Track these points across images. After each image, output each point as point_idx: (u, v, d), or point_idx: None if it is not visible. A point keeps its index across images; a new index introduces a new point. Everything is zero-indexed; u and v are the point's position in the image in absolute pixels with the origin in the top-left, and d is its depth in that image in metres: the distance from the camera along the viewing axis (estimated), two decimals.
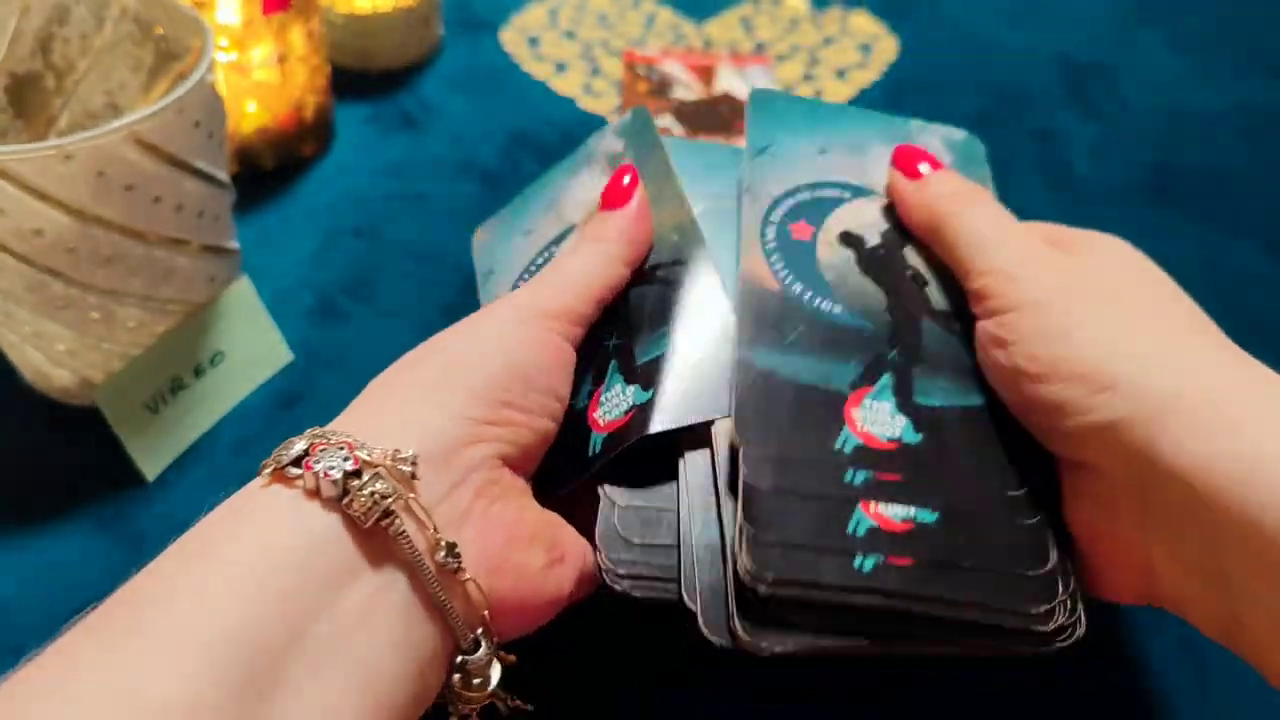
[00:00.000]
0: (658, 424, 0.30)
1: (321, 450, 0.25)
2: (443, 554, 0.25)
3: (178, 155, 0.35)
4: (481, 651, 0.26)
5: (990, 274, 0.31)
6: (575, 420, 0.32)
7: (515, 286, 0.38)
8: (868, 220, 0.36)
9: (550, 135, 0.58)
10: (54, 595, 0.36)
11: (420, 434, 0.26)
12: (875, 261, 0.35)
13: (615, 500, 0.30)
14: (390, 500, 0.24)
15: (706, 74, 0.63)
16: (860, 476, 0.29)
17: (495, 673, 0.27)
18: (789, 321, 0.32)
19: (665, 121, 0.59)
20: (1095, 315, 0.29)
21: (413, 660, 0.24)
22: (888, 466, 0.29)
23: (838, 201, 0.37)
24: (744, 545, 0.27)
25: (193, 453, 0.40)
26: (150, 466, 0.39)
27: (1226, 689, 0.34)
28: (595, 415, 0.32)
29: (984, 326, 0.31)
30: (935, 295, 0.34)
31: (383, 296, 0.48)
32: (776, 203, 0.36)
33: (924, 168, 0.36)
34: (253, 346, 0.43)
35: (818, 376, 0.31)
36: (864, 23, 0.69)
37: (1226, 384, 0.26)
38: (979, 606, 0.27)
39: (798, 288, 0.33)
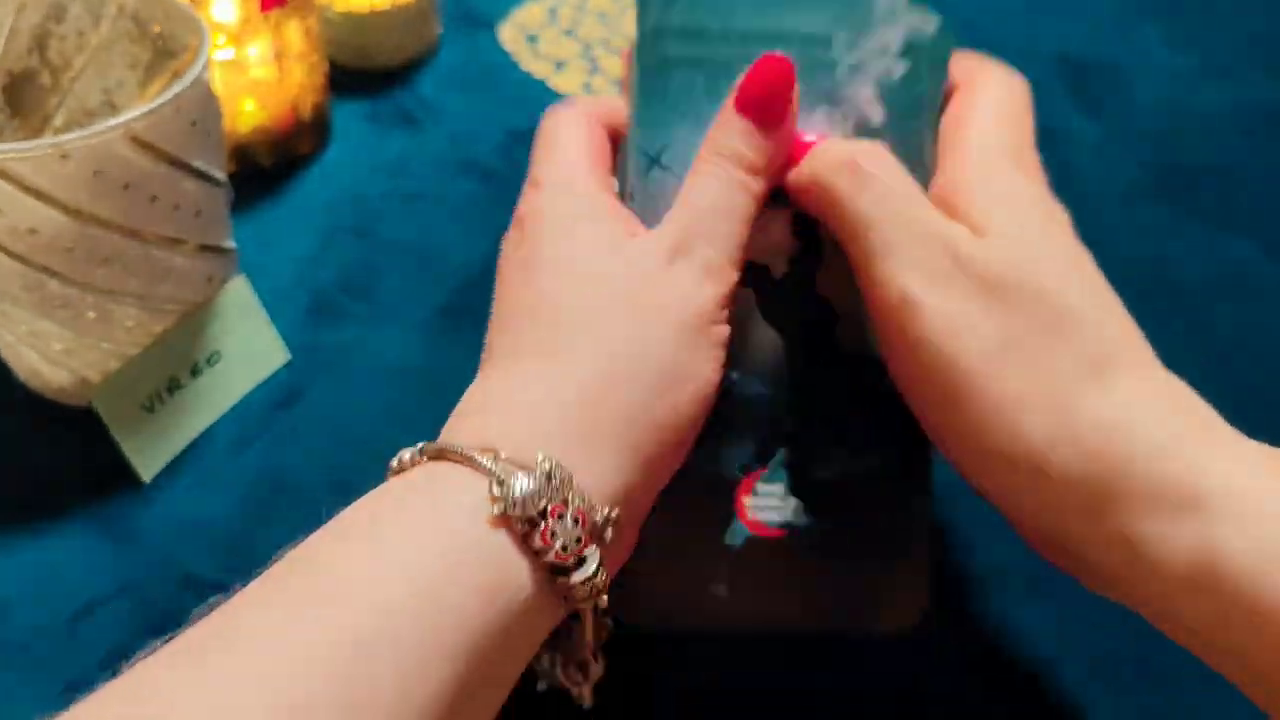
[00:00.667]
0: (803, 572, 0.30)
1: (559, 518, 0.23)
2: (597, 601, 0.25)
3: (175, 154, 0.35)
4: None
5: (885, 305, 0.27)
6: (721, 488, 0.29)
7: None
8: (778, 226, 0.31)
9: None
10: (50, 595, 0.36)
11: (614, 485, 0.25)
12: (781, 299, 0.30)
13: None
14: (597, 581, 0.24)
15: None
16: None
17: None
18: None
19: None
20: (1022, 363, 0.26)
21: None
22: (775, 553, 0.29)
23: None
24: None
25: (190, 453, 0.40)
26: (147, 467, 0.39)
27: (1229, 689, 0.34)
28: (745, 501, 0.29)
29: (893, 373, 0.28)
30: (845, 331, 0.30)
31: (381, 295, 0.47)
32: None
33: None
34: (250, 346, 0.42)
35: (706, 461, 0.29)
36: None
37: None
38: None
39: None
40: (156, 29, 0.40)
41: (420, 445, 0.25)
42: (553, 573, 0.23)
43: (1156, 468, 0.24)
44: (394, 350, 0.45)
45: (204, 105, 0.36)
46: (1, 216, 0.32)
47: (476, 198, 0.53)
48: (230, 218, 0.41)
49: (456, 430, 0.26)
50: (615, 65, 0.64)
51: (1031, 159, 0.31)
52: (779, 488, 0.29)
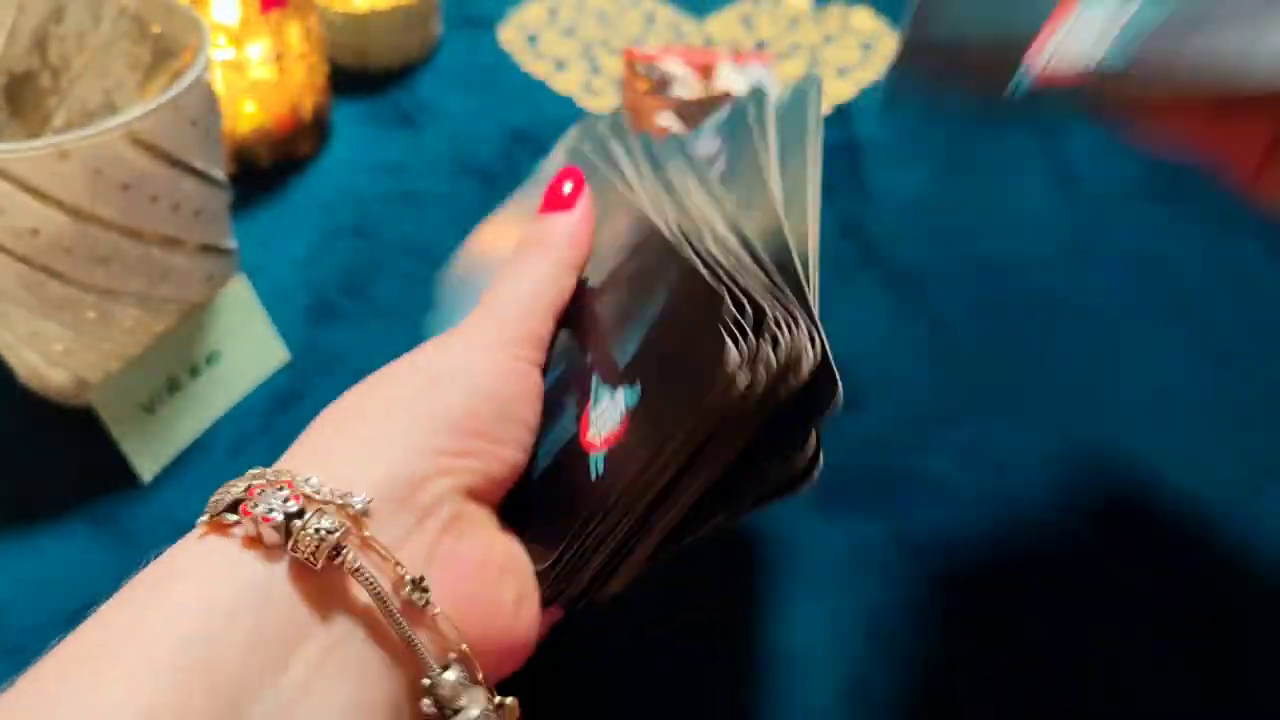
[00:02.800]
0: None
1: (260, 493, 0.23)
2: (408, 589, 0.23)
3: (174, 154, 0.35)
4: (453, 673, 0.23)
5: None
6: (569, 453, 0.29)
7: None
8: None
9: (549, 134, 0.58)
10: (50, 596, 0.36)
11: (377, 469, 0.24)
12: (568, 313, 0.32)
13: None
14: (338, 534, 0.22)
15: (707, 72, 0.63)
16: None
17: (476, 706, 0.23)
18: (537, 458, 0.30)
19: (665, 119, 0.59)
20: None
21: (378, 714, 0.22)
22: (629, 444, 0.28)
23: None
24: None
25: (189, 453, 0.40)
26: (147, 467, 0.39)
27: (1229, 689, 0.34)
28: (588, 437, 0.29)
29: None
30: (594, 275, 0.32)
31: (380, 296, 0.47)
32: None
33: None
34: (250, 346, 0.42)
35: (550, 449, 0.29)
36: (865, 20, 0.69)
37: None
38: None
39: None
40: (156, 29, 0.40)
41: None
42: (280, 548, 0.22)
43: None
44: (393, 350, 0.44)
45: (204, 106, 0.36)
46: (1, 216, 0.32)
47: (476, 198, 0.53)
48: (230, 218, 0.41)
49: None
50: (615, 65, 0.64)
51: None
52: (605, 400, 0.29)
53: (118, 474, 0.39)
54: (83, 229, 0.33)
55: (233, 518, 0.22)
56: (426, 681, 0.23)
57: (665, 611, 0.35)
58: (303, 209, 0.52)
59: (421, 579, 0.23)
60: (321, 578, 0.22)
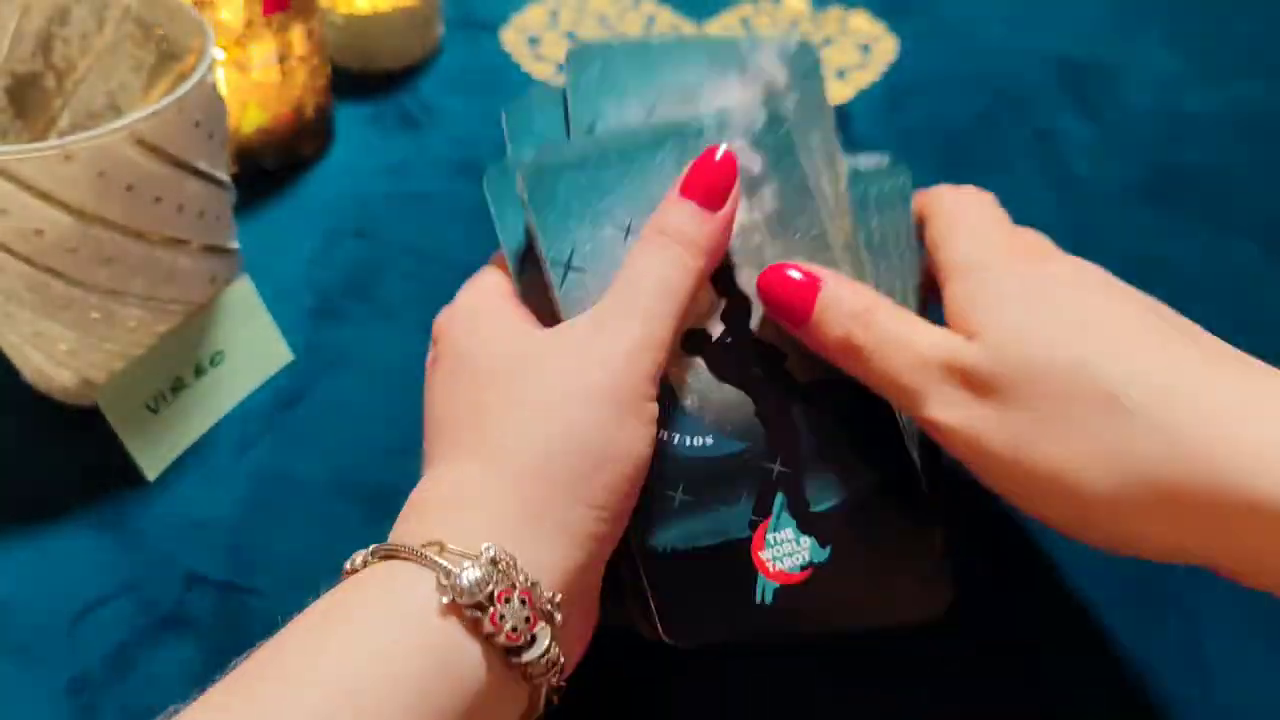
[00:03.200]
0: (837, 601, 0.30)
1: (506, 602, 0.24)
2: (555, 677, 0.25)
3: (178, 155, 0.35)
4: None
5: (930, 418, 0.28)
6: (735, 550, 0.29)
7: None
8: (700, 291, 0.31)
9: None
10: (54, 595, 0.36)
11: (558, 562, 0.26)
12: (728, 359, 0.31)
13: None
14: (560, 666, 0.25)
15: None
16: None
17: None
18: (667, 483, 0.29)
19: None
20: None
21: None
22: (804, 593, 0.30)
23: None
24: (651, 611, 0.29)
25: (194, 452, 0.40)
26: (151, 466, 0.39)
27: (1229, 689, 0.34)
28: (762, 556, 0.29)
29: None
30: (797, 364, 0.31)
31: (383, 296, 0.48)
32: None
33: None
34: (253, 346, 0.43)
35: (714, 533, 0.29)
36: (864, 23, 0.69)
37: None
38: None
39: (663, 435, 0.29)
40: (160, 32, 0.40)
41: (371, 547, 0.26)
42: (507, 654, 0.24)
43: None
44: (396, 350, 0.45)
45: (208, 107, 0.36)
46: (6, 217, 0.33)
47: (478, 199, 0.53)
48: (234, 219, 0.41)
49: (403, 533, 0.26)
50: None
51: (1021, 243, 0.32)
52: (789, 532, 0.30)
53: (122, 473, 0.39)
54: (87, 230, 0.34)
55: (476, 615, 0.24)
56: None
57: None
58: (306, 210, 0.52)
59: (562, 666, 0.25)
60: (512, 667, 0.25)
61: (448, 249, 0.50)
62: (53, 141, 0.32)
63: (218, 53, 0.49)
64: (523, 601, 0.24)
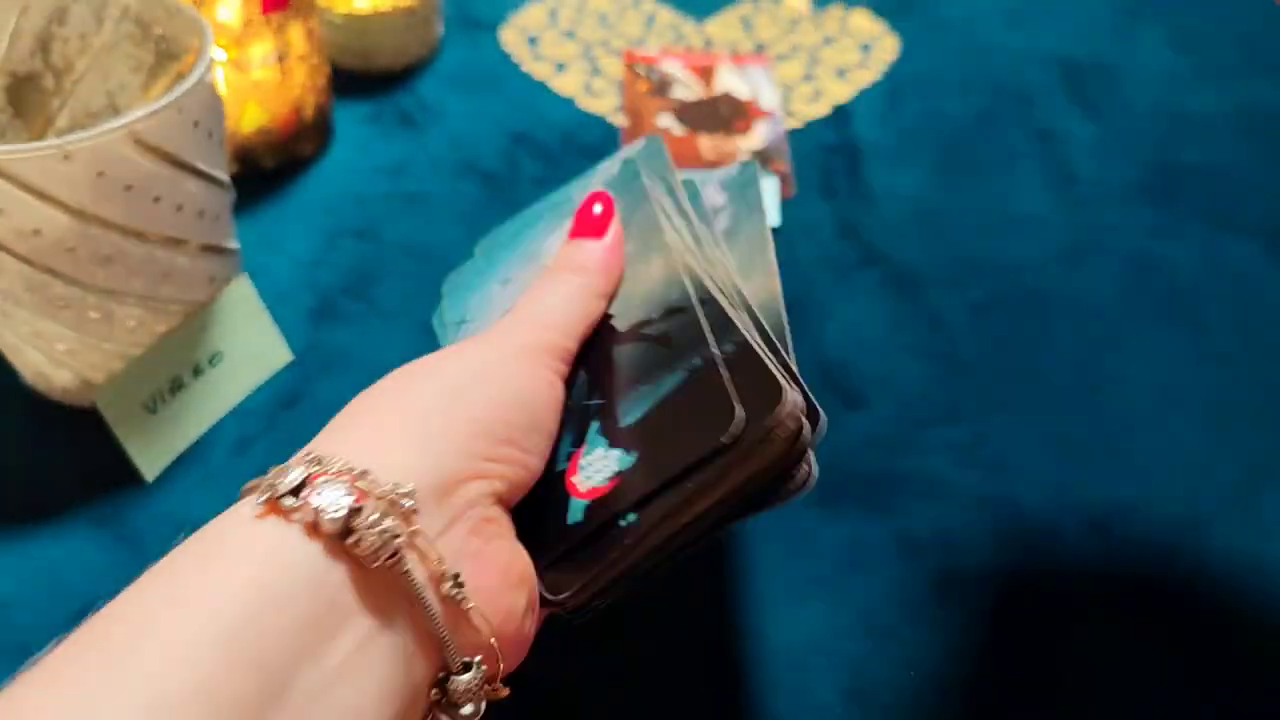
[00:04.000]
0: (644, 490, 0.29)
1: (322, 481, 0.23)
2: (449, 585, 0.24)
3: (177, 155, 0.35)
4: (470, 675, 0.25)
5: None
6: (552, 483, 0.30)
7: None
8: None
9: (550, 135, 0.58)
10: (53, 595, 0.36)
11: (422, 463, 0.25)
12: None
13: None
14: (401, 538, 0.23)
15: (706, 74, 0.63)
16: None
17: (482, 704, 0.25)
18: None
19: (665, 121, 0.59)
20: None
21: (402, 700, 0.23)
22: (613, 498, 0.29)
23: None
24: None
25: (192, 453, 0.40)
26: (150, 466, 0.39)
27: (1229, 689, 0.34)
28: (574, 479, 0.30)
29: None
30: (619, 319, 0.33)
31: (382, 296, 0.48)
32: None
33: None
34: (252, 346, 0.42)
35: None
36: (864, 22, 0.69)
37: None
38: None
39: None
40: (159, 31, 0.40)
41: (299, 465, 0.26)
42: (339, 539, 0.23)
43: None
44: (395, 350, 0.45)
45: (207, 107, 0.36)
46: (5, 217, 0.33)
47: (477, 199, 0.53)
48: (233, 218, 0.41)
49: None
50: (615, 67, 0.64)
51: None
52: (599, 452, 0.30)
53: (121, 473, 0.39)
54: (86, 230, 0.34)
55: (292, 502, 0.23)
56: (442, 674, 0.24)
57: (666, 612, 0.36)
58: (305, 210, 0.52)
59: (458, 575, 0.24)
60: (368, 570, 0.23)
61: (447, 249, 0.50)
62: (51, 141, 0.32)
63: (217, 52, 0.49)
64: (343, 483, 0.23)
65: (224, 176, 0.39)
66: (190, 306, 0.39)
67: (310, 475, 0.23)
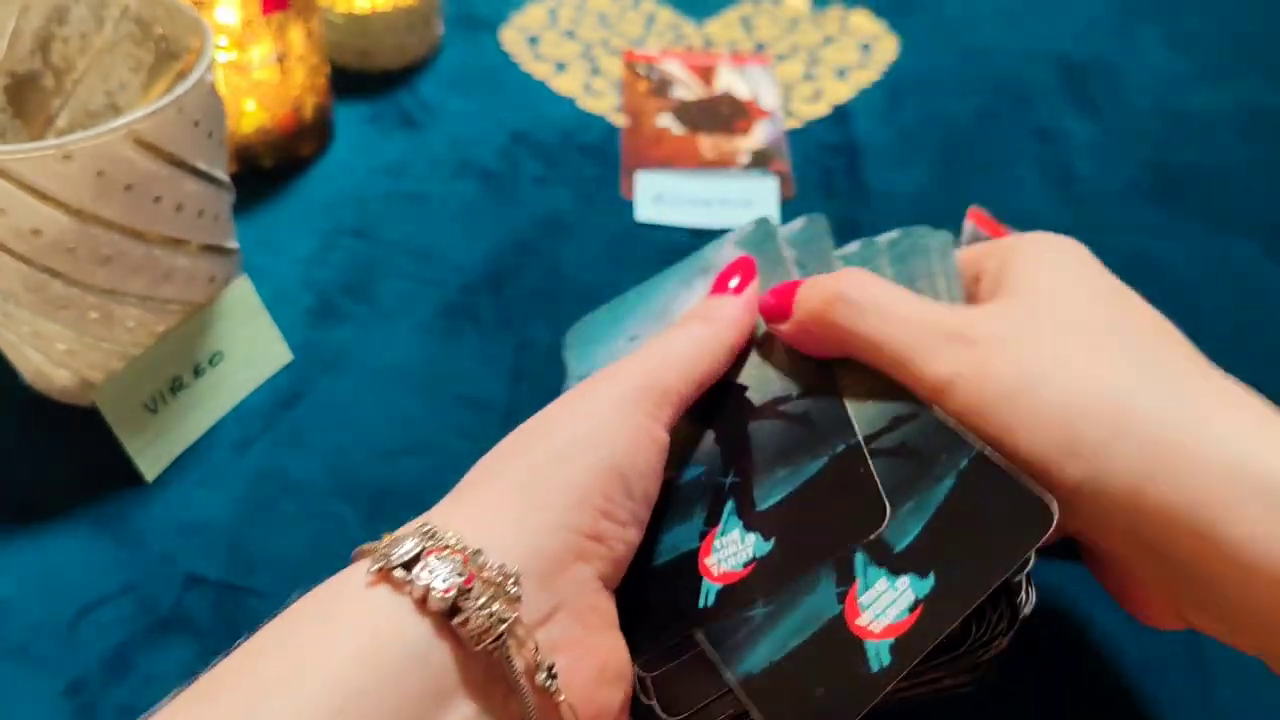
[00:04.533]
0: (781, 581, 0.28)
1: (435, 557, 0.23)
2: (543, 676, 0.24)
3: (177, 155, 0.35)
4: None
5: (937, 395, 0.28)
6: (684, 562, 0.29)
7: None
8: None
9: (550, 135, 0.58)
10: (53, 595, 0.36)
11: (525, 546, 0.25)
12: (700, 404, 0.32)
13: None
14: (508, 624, 0.23)
15: (706, 74, 0.63)
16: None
17: None
18: None
19: (665, 121, 0.59)
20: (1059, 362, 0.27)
21: None
22: (746, 586, 0.29)
23: None
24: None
25: (192, 453, 0.40)
26: (150, 466, 0.39)
27: (1229, 689, 0.34)
28: (708, 561, 0.29)
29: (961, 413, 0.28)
30: (755, 393, 0.32)
31: (382, 296, 0.48)
32: None
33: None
34: (252, 346, 0.42)
35: (669, 549, 0.30)
36: (864, 22, 0.69)
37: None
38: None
39: None
40: (159, 31, 0.40)
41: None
42: (446, 617, 0.23)
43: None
44: (395, 350, 0.45)
45: (207, 106, 0.36)
46: (4, 217, 0.33)
47: (477, 199, 0.53)
48: (233, 218, 0.41)
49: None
50: (615, 67, 0.64)
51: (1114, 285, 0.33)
52: (735, 534, 0.29)
53: (121, 473, 0.39)
54: (85, 230, 0.34)
55: (404, 575, 0.23)
56: None
57: None
58: (305, 209, 0.52)
59: (552, 666, 0.24)
60: (473, 655, 0.23)
61: (447, 249, 0.50)
62: (51, 141, 0.32)
63: (217, 53, 0.49)
64: (455, 561, 0.23)
65: (224, 176, 0.39)
66: (190, 306, 0.39)
67: (425, 550, 0.24)
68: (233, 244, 0.41)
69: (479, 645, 0.23)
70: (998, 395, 0.27)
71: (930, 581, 0.27)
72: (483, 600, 0.23)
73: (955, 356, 0.28)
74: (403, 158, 0.56)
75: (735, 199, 0.54)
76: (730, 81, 0.62)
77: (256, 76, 0.50)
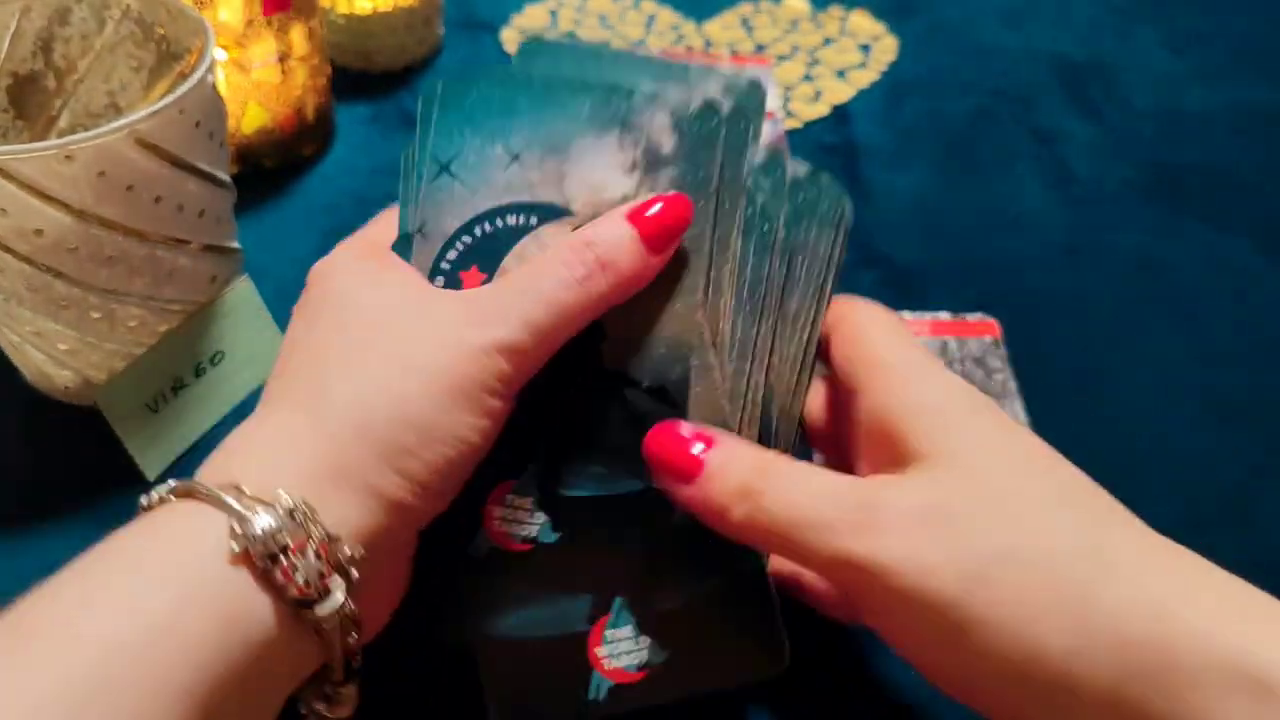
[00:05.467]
0: (674, 696, 0.29)
1: (301, 554, 0.23)
2: (353, 642, 0.25)
3: (179, 155, 0.35)
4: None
5: (851, 584, 0.26)
6: (570, 644, 0.29)
7: (457, 242, 0.30)
8: None
9: None
10: None
11: (362, 523, 0.25)
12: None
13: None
14: (352, 613, 0.25)
15: None
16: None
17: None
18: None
19: None
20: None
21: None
22: (639, 689, 0.29)
23: (518, 231, 0.29)
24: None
25: (193, 452, 0.40)
26: (151, 466, 0.39)
27: None
28: (598, 651, 0.29)
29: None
30: (611, 351, 0.29)
31: None
32: (448, 243, 0.30)
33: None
34: (254, 346, 0.43)
35: (553, 623, 0.29)
36: (864, 23, 0.69)
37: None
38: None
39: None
40: (161, 31, 0.40)
41: (170, 482, 0.25)
42: (299, 607, 0.24)
43: (1207, 657, 0.22)
44: None
45: (208, 107, 0.36)
46: (6, 217, 0.33)
47: None
48: (234, 219, 0.41)
49: (208, 471, 0.26)
50: None
51: (937, 364, 0.29)
52: (628, 630, 0.29)
53: (122, 473, 0.39)
54: (87, 230, 0.34)
55: (267, 564, 0.23)
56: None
57: None
58: (306, 210, 0.52)
59: (356, 617, 0.25)
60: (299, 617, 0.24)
61: None
62: (53, 141, 0.32)
63: (218, 53, 0.49)
64: (318, 555, 0.24)
65: (225, 177, 0.39)
66: (192, 306, 0.39)
67: (292, 545, 0.24)
68: (234, 244, 0.41)
69: (328, 638, 0.24)
70: (946, 594, 0.24)
71: (664, 656, 0.28)
72: (341, 600, 0.24)
73: (868, 537, 0.25)
74: None
75: None
76: None
77: (258, 77, 0.50)
